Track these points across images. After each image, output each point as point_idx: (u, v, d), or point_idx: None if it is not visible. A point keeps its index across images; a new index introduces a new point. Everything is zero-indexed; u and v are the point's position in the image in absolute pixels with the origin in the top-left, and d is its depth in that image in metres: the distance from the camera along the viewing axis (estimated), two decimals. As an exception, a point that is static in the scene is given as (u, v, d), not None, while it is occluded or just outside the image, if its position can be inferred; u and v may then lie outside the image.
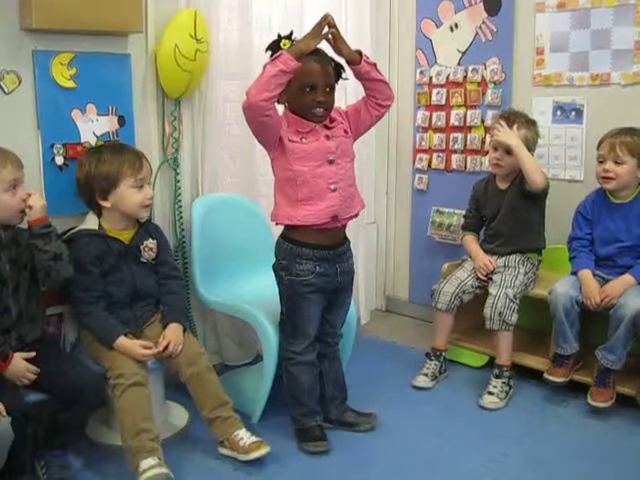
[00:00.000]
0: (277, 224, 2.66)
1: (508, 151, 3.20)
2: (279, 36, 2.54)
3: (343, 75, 2.62)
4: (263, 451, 2.54)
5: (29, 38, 2.57)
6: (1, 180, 2.29)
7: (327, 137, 2.56)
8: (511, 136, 3.15)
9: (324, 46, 2.55)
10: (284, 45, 2.50)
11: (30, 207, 2.35)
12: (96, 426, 2.76)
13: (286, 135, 2.52)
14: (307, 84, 2.49)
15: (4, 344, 2.30)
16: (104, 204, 2.60)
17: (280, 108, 2.58)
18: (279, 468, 2.57)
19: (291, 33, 2.55)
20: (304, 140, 2.53)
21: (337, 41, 2.51)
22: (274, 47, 2.52)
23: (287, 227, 2.63)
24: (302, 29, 2.60)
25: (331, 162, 2.56)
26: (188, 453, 2.65)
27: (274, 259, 2.69)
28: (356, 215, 2.72)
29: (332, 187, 2.56)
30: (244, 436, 2.56)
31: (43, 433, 2.41)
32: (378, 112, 2.67)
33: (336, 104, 2.64)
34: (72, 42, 2.68)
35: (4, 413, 2.11)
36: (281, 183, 2.61)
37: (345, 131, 2.64)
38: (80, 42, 2.71)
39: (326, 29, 2.46)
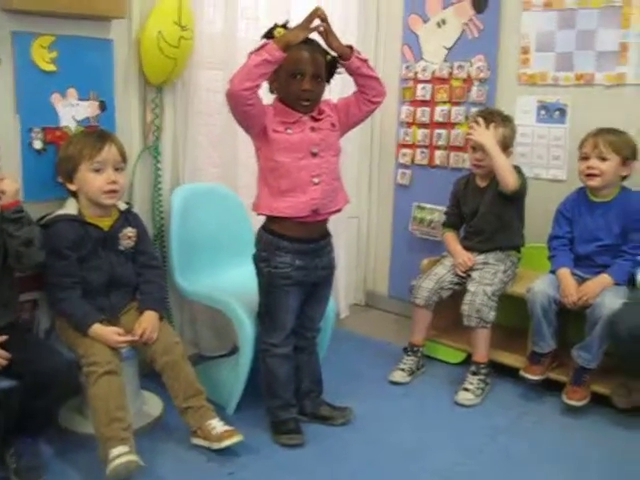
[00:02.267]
0: (258, 214, 2.65)
1: (488, 150, 3.21)
2: (275, 24, 2.52)
3: (338, 69, 2.60)
4: (235, 439, 2.53)
5: (8, 19, 2.53)
6: None
7: (312, 129, 2.54)
8: (485, 136, 3.17)
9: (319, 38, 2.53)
10: (278, 33, 2.48)
11: (3, 192, 2.31)
12: (68, 414, 2.74)
13: (271, 125, 2.50)
14: (295, 72, 2.47)
15: None
16: (71, 187, 2.59)
17: (269, 98, 2.57)
18: (253, 460, 2.56)
19: (286, 22, 2.54)
20: (288, 131, 2.51)
21: (328, 35, 2.50)
22: (269, 36, 2.50)
23: (268, 218, 2.62)
24: (289, 19, 2.57)
25: (314, 155, 2.54)
26: (162, 443, 2.64)
27: (254, 250, 2.67)
28: (338, 210, 2.70)
29: (315, 180, 2.54)
30: (216, 425, 2.55)
31: (13, 420, 2.38)
32: (368, 108, 2.66)
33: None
34: (53, 25, 2.64)
35: None
36: (264, 173, 2.59)
37: (332, 124, 2.61)
38: (62, 25, 2.66)
39: (316, 22, 2.45)
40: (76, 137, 2.64)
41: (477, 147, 3.24)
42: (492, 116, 3.24)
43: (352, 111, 2.65)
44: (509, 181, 3.11)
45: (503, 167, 3.12)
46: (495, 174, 3.21)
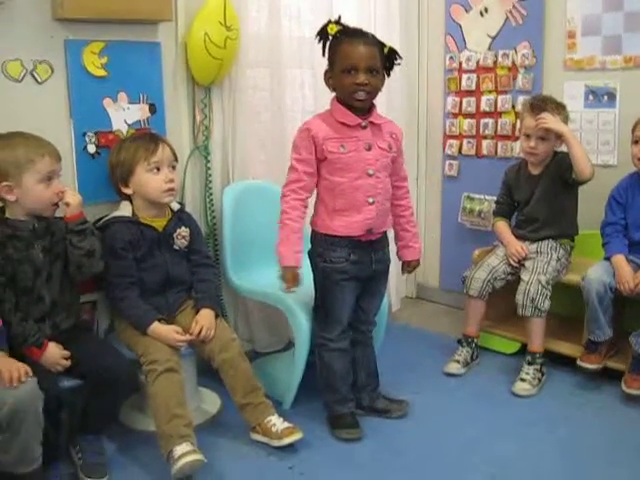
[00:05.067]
0: (314, 231, 2.67)
1: (542, 138, 3.16)
2: (329, 21, 2.53)
3: (397, 60, 2.59)
4: (296, 437, 2.55)
5: (61, 27, 2.59)
6: (37, 170, 2.30)
7: (368, 148, 2.54)
8: (561, 124, 3.10)
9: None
10: (331, 30, 2.49)
11: (67, 204, 2.37)
12: (129, 412, 2.80)
13: (325, 147, 2.51)
14: (347, 67, 2.47)
15: (39, 332, 2.32)
16: (126, 191, 2.64)
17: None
18: (311, 454, 2.58)
19: (339, 18, 2.54)
20: (342, 149, 2.51)
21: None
22: (323, 32, 2.52)
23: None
24: (331, 17, 2.58)
25: (370, 175, 2.55)
26: (221, 439, 2.67)
27: (309, 246, 2.69)
28: (385, 231, 2.73)
29: (369, 200, 2.55)
30: (276, 422, 2.57)
31: (77, 418, 2.44)
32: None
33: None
34: (103, 31, 2.70)
35: (30, 373, 2.12)
36: (321, 191, 2.60)
37: (389, 147, 2.62)
38: (111, 31, 2.72)
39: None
40: (126, 142, 2.68)
41: (532, 135, 3.16)
42: (545, 104, 3.17)
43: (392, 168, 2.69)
44: (587, 169, 3.04)
45: (582, 155, 3.04)
46: (550, 161, 3.21)
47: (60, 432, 2.42)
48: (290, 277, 2.55)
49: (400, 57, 2.59)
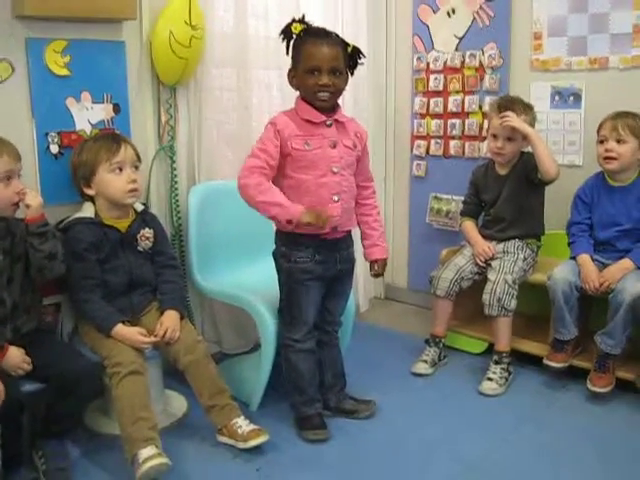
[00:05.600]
0: (278, 231, 2.65)
1: (509, 138, 3.18)
2: (292, 19, 2.52)
3: (360, 59, 2.59)
4: (262, 439, 2.53)
5: (22, 25, 2.55)
6: None
7: (333, 146, 2.54)
8: (523, 124, 3.12)
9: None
10: (295, 29, 2.48)
11: (28, 206, 2.33)
12: (94, 415, 2.76)
13: (290, 144, 2.50)
14: (310, 67, 2.46)
15: None
16: (88, 192, 2.61)
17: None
18: (278, 456, 2.56)
19: (303, 17, 2.53)
20: (307, 146, 2.50)
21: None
22: (287, 31, 2.51)
23: None
24: (297, 16, 2.57)
25: (335, 173, 2.54)
26: (187, 441, 2.65)
27: (273, 246, 2.68)
28: (351, 230, 2.73)
29: (335, 198, 2.55)
30: (242, 424, 2.55)
31: (40, 423, 2.40)
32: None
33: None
34: (66, 29, 2.66)
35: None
36: (284, 190, 2.56)
37: (354, 145, 2.62)
38: (74, 29, 2.68)
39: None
40: (88, 143, 2.65)
41: (500, 135, 3.18)
42: (513, 104, 3.18)
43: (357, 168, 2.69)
44: (552, 169, 3.06)
45: (546, 154, 3.07)
46: (516, 161, 3.24)
47: (22, 436, 2.37)
48: (314, 215, 2.45)
49: (364, 56, 2.59)
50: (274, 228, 2.68)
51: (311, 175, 2.52)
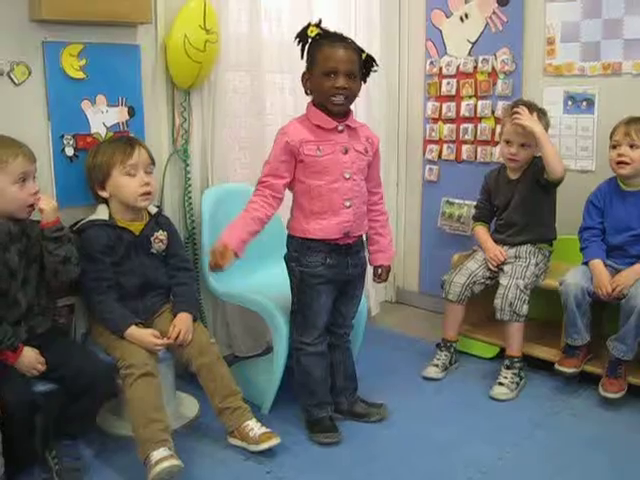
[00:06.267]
0: (291, 236, 2.66)
1: (523, 144, 3.18)
2: (309, 23, 2.53)
3: (374, 67, 2.60)
4: (273, 442, 2.54)
5: (39, 29, 2.57)
6: (10, 172, 2.28)
7: (344, 151, 2.55)
8: (535, 122, 3.11)
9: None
10: (311, 32, 2.50)
11: (41, 210, 2.35)
12: (107, 416, 2.77)
13: (302, 150, 2.51)
14: (328, 70, 2.47)
15: (14, 336, 2.30)
16: (102, 194, 2.62)
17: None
18: (289, 458, 2.57)
19: (320, 21, 2.54)
20: (319, 152, 2.51)
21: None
22: (302, 35, 2.52)
23: None
24: (311, 20, 2.58)
25: (347, 178, 2.55)
26: (198, 443, 2.66)
27: (285, 250, 2.69)
28: (361, 235, 2.73)
29: (346, 203, 2.56)
30: (254, 427, 2.56)
31: (53, 423, 2.42)
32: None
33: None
34: (82, 33, 2.68)
35: None
36: (297, 195, 2.61)
37: (365, 150, 2.63)
38: (90, 33, 2.70)
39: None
40: (103, 146, 2.67)
41: (513, 141, 3.19)
42: (528, 107, 3.17)
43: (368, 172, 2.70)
44: (558, 169, 3.06)
45: (553, 154, 3.06)
46: (528, 166, 3.23)
47: (36, 437, 2.38)
48: (218, 252, 2.47)
49: (377, 64, 2.60)
50: (286, 232, 2.69)
51: (323, 181, 2.53)
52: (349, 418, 2.83)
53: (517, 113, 3.12)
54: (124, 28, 2.81)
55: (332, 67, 2.47)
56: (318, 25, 2.52)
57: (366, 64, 2.57)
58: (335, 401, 2.82)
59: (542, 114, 3.23)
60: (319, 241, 2.57)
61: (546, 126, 3.21)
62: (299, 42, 2.53)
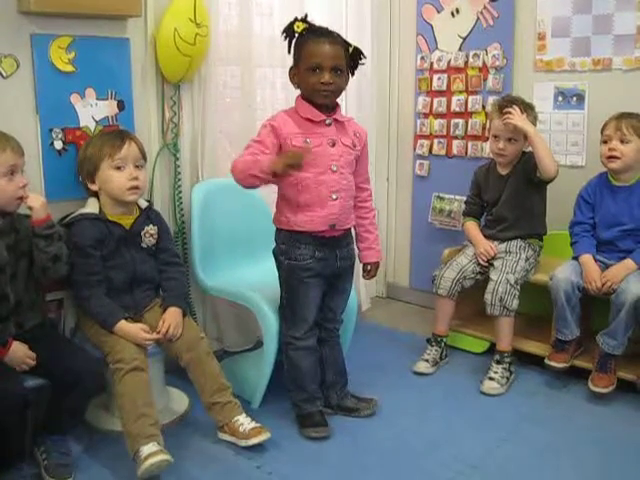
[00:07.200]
0: (278, 229, 2.66)
1: (510, 139, 3.18)
2: (295, 18, 2.53)
3: (361, 60, 2.60)
4: (263, 437, 2.54)
5: (27, 21, 2.55)
6: None
7: (332, 144, 2.55)
8: (526, 121, 3.12)
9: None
10: (298, 27, 2.49)
11: (31, 208, 2.34)
12: (96, 411, 2.76)
13: (290, 139, 2.51)
14: (314, 66, 2.47)
15: (3, 331, 2.29)
16: (92, 187, 2.61)
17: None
18: (279, 453, 2.57)
19: (306, 16, 2.54)
20: (307, 141, 2.51)
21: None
22: (289, 30, 2.52)
23: None
24: (302, 14, 2.57)
25: (334, 171, 2.55)
26: (188, 438, 2.65)
27: (274, 244, 2.68)
28: (349, 228, 2.73)
29: (333, 196, 2.56)
30: (244, 422, 2.56)
31: (42, 418, 2.40)
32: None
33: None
34: (71, 26, 2.66)
35: None
36: (283, 188, 2.59)
37: (353, 144, 2.63)
38: (79, 26, 2.68)
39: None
40: (95, 138, 2.66)
41: (501, 136, 3.19)
42: (514, 104, 3.17)
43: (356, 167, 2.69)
44: (551, 168, 3.07)
45: (545, 153, 3.07)
46: (517, 161, 3.24)
47: (25, 432, 2.37)
48: (292, 156, 2.37)
49: (364, 57, 2.60)
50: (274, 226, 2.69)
51: (310, 172, 2.52)
52: (339, 413, 2.83)
53: (509, 113, 3.12)
54: (114, 21, 2.79)
55: (317, 63, 2.47)
56: (304, 20, 2.52)
57: (353, 57, 2.57)
58: (325, 396, 2.82)
59: (530, 109, 3.23)
60: (306, 233, 2.57)
61: (533, 120, 3.21)
62: (286, 37, 2.53)
